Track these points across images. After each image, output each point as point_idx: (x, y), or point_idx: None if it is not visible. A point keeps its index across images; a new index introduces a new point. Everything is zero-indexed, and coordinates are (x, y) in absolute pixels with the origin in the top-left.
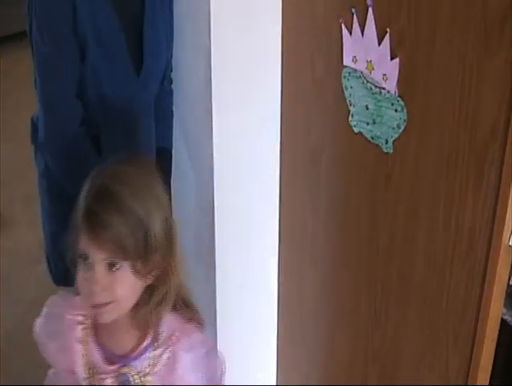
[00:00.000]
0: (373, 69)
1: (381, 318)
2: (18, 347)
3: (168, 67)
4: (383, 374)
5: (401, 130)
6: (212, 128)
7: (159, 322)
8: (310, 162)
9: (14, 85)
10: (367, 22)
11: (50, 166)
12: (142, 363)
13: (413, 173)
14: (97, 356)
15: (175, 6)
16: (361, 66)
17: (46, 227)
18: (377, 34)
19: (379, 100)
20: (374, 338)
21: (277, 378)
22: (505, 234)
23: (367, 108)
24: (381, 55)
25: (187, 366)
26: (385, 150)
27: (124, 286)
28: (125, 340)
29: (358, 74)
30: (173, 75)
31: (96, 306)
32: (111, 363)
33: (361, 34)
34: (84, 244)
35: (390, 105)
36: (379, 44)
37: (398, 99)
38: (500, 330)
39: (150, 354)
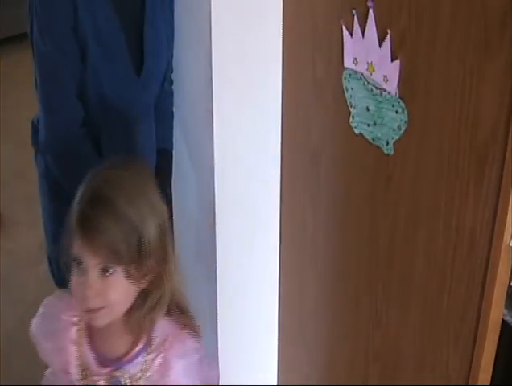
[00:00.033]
0: (373, 70)
1: (381, 319)
2: (18, 347)
3: (169, 68)
4: (384, 374)
5: (401, 132)
6: (212, 128)
7: (153, 327)
8: (310, 163)
9: (14, 86)
10: (368, 24)
11: (50, 166)
12: (134, 368)
13: (414, 174)
14: (90, 358)
15: (176, 7)
16: (361, 67)
17: (47, 228)
18: (378, 36)
19: (380, 102)
20: (375, 339)
21: (278, 378)
22: (506, 235)
23: (368, 110)
24: (381, 57)
25: (179, 372)
26: (385, 152)
27: (117, 291)
28: (118, 344)
29: (359, 75)
30: (174, 75)
31: (89, 311)
32: (104, 365)
33: (361, 36)
34: (78, 248)
35: (390, 107)
36: (380, 46)
37: (399, 100)
38: (501, 331)
39: (142, 358)
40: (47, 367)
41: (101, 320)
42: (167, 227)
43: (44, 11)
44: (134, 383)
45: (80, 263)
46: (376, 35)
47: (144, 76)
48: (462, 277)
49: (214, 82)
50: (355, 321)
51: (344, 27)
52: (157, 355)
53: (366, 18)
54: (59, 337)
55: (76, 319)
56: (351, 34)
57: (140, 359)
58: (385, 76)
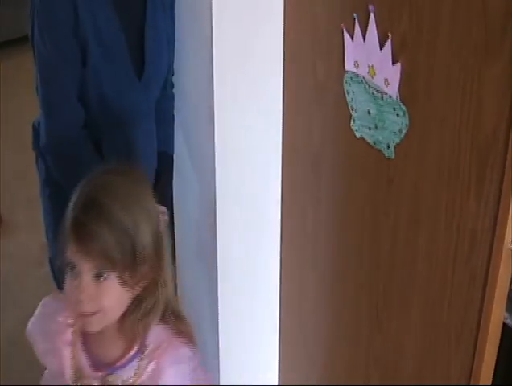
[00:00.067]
0: (374, 74)
1: (382, 321)
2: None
3: (170, 72)
4: (385, 376)
5: (403, 135)
6: (213, 131)
7: (147, 332)
8: (311, 166)
9: (15, 89)
10: (369, 27)
11: (51, 168)
12: (127, 373)
13: (415, 177)
14: (84, 361)
15: (177, 10)
16: (362, 71)
17: (49, 232)
18: (379, 39)
19: (381, 105)
20: (376, 341)
21: (278, 378)
22: (507, 237)
23: (369, 113)
24: (382, 60)
25: (171, 380)
26: (386, 155)
27: (111, 297)
28: (111, 348)
29: (360, 79)
30: (175, 78)
31: (82, 315)
32: (97, 369)
33: (362, 39)
34: (72, 253)
35: (391, 110)
36: (381, 49)
37: (400, 104)
38: (501, 334)
39: (136, 364)
40: (46, 367)
41: (95, 325)
42: (162, 233)
43: (45, 14)
44: None
45: (73, 268)
46: (377, 39)
47: (145, 79)
48: (463, 279)
49: (215, 85)
50: (355, 323)
51: (345, 31)
52: (150, 361)
53: (367, 22)
54: (55, 338)
55: (71, 321)
56: (352, 38)
57: (133, 364)
58: (386, 80)
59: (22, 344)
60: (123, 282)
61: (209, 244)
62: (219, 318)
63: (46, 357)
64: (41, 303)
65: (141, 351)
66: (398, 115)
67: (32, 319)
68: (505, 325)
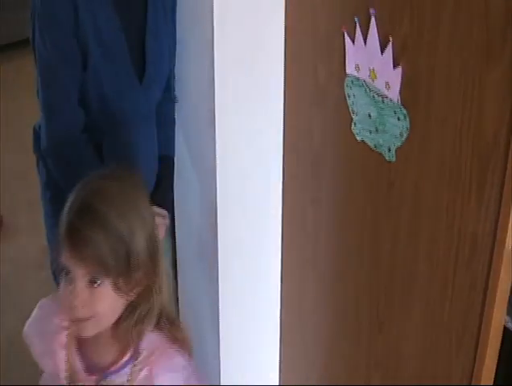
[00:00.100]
0: (375, 77)
1: (383, 324)
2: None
3: (171, 76)
4: (385, 377)
5: (404, 138)
6: (214, 133)
7: (141, 339)
8: (312, 168)
9: (15, 92)
10: (370, 31)
11: (52, 171)
12: (120, 378)
13: (415, 181)
14: (78, 364)
15: (179, 13)
16: (363, 74)
17: (50, 236)
18: (380, 43)
19: (382, 109)
20: (377, 344)
21: (279, 379)
22: (508, 241)
23: (370, 117)
24: (383, 64)
25: None
26: (387, 158)
27: (105, 302)
28: (105, 353)
29: (361, 82)
30: (176, 81)
31: (76, 320)
32: (91, 372)
33: (363, 43)
34: (66, 258)
35: (392, 113)
36: (382, 52)
37: (401, 107)
38: (502, 338)
39: (129, 370)
40: None
41: (89, 330)
42: (157, 239)
43: (45, 16)
44: None
45: (68, 273)
46: (378, 42)
47: (146, 82)
48: (464, 282)
49: (216, 87)
50: (356, 324)
51: (346, 34)
52: (143, 368)
53: (368, 25)
54: (50, 340)
55: (67, 323)
56: (353, 41)
57: (127, 370)
58: (387, 83)
59: (22, 345)
60: (117, 288)
61: (210, 246)
62: (220, 318)
63: (42, 359)
64: (38, 305)
65: (134, 358)
66: (398, 118)
67: (29, 321)
68: (506, 328)
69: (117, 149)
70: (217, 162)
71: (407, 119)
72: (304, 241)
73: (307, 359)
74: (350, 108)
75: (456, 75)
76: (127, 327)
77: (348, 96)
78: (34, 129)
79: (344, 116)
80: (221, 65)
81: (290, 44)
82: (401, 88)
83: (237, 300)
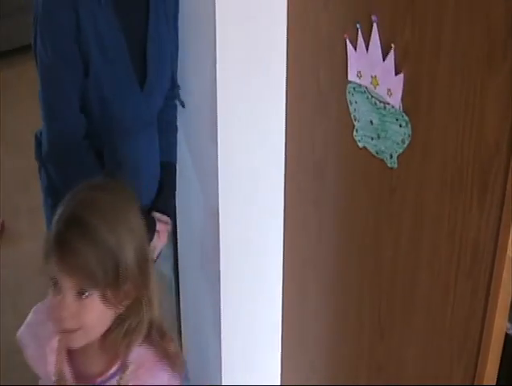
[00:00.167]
0: (377, 84)
1: (384, 330)
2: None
3: (173, 82)
4: (387, 383)
5: (405, 145)
6: (217, 139)
7: (129, 351)
8: (314, 175)
9: (16, 99)
10: (372, 38)
11: (53, 177)
12: None
13: (417, 187)
14: (67, 370)
15: (181, 21)
16: (365, 81)
17: None
18: (382, 50)
19: (384, 115)
20: (378, 351)
21: (281, 380)
22: (510, 247)
23: (372, 123)
24: (385, 71)
25: None
26: (389, 165)
27: (93, 314)
28: (94, 363)
29: (363, 89)
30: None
31: (64, 331)
32: (79, 380)
33: (365, 50)
34: (54, 269)
35: (394, 120)
36: (384, 59)
37: (403, 114)
38: (504, 344)
39: (115, 382)
40: None
41: (77, 341)
42: (147, 253)
43: (47, 23)
44: None
45: (56, 283)
46: (380, 49)
47: (147, 88)
48: (465, 289)
49: (218, 94)
50: (358, 330)
51: (348, 41)
52: (129, 381)
53: (370, 32)
54: (43, 344)
55: None
56: (355, 48)
57: (113, 381)
58: (389, 90)
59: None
60: (106, 300)
61: (212, 251)
62: (221, 321)
63: (34, 362)
64: (33, 309)
65: (122, 370)
66: (400, 125)
67: (23, 324)
68: (507, 335)
69: (118, 155)
70: (219, 168)
71: (409, 126)
72: (306, 247)
73: (310, 369)
74: (352, 115)
75: (458, 82)
76: (115, 339)
77: (350, 103)
78: (35, 136)
79: (346, 122)
80: (223, 72)
81: (292, 51)
82: (403, 94)
83: (238, 304)
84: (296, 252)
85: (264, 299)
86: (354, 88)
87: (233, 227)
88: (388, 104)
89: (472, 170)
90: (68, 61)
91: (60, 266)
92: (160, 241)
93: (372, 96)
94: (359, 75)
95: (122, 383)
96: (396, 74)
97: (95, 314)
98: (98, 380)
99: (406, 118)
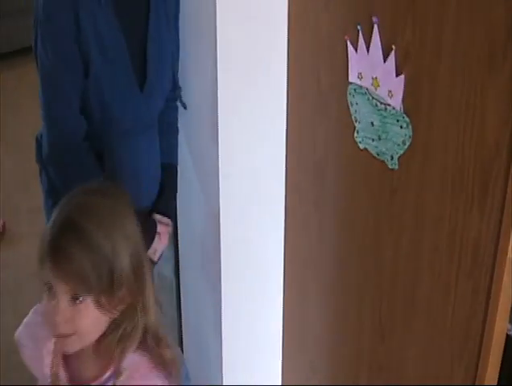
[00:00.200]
0: (378, 86)
1: (385, 332)
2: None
3: (175, 83)
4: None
5: (406, 146)
6: (217, 141)
7: (123, 357)
8: (315, 177)
9: (18, 100)
10: (372, 39)
11: (53, 179)
12: None
13: (418, 189)
14: (62, 373)
15: (182, 22)
16: (366, 82)
17: None
18: (383, 51)
19: (384, 117)
20: (379, 351)
21: (282, 380)
22: (510, 249)
23: (372, 125)
24: (386, 72)
25: None
26: (390, 166)
27: (87, 319)
28: (88, 367)
29: (364, 90)
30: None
31: (58, 336)
32: (74, 383)
33: (366, 51)
34: (48, 273)
35: (395, 122)
36: (385, 61)
37: (404, 115)
38: (505, 346)
39: None
40: None
41: (71, 346)
42: (143, 258)
43: (47, 24)
44: None
45: (50, 288)
46: (381, 51)
47: (147, 91)
48: (466, 290)
49: (219, 95)
50: (359, 332)
51: (349, 42)
52: None
53: (371, 34)
54: (40, 345)
55: None
56: (356, 50)
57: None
58: (389, 91)
59: None
60: (100, 306)
61: (213, 253)
62: (222, 322)
63: (31, 363)
64: (32, 310)
65: (115, 375)
66: (401, 126)
67: (21, 326)
68: (508, 336)
69: (118, 157)
70: (220, 168)
71: (410, 127)
72: (307, 248)
73: (312, 373)
74: (353, 117)
75: (459, 83)
76: (110, 345)
77: (351, 105)
78: (36, 138)
79: (347, 124)
80: (224, 73)
81: (293, 52)
82: (403, 96)
83: (239, 304)
84: (297, 253)
85: (265, 300)
86: (355, 90)
87: (233, 228)
88: (389, 105)
89: (473, 170)
90: (69, 63)
91: (54, 271)
92: (161, 243)
93: (373, 98)
94: (360, 76)
95: None
96: (397, 75)
97: (89, 320)
98: (92, 384)
99: (407, 119)
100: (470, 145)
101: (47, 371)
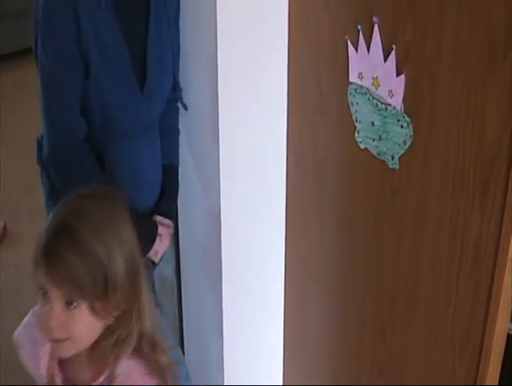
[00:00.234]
0: (379, 85)
1: (387, 332)
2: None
3: (175, 85)
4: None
5: (407, 146)
6: (218, 142)
7: (118, 363)
8: (316, 177)
9: (19, 101)
10: (373, 39)
11: (54, 180)
12: None
13: (419, 188)
14: (57, 376)
15: (182, 23)
16: (366, 82)
17: None
18: (383, 51)
19: (385, 117)
20: (380, 352)
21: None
22: (511, 248)
23: (373, 125)
24: (387, 72)
25: None
26: (391, 166)
27: (81, 325)
28: (82, 371)
29: (364, 90)
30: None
31: (53, 341)
32: (69, 384)
33: (366, 51)
34: (42, 278)
35: (395, 121)
36: (385, 61)
37: (404, 115)
38: (506, 345)
39: None
40: None
41: (65, 351)
42: (138, 264)
43: (47, 26)
44: None
45: (45, 293)
46: (381, 50)
47: (147, 92)
48: (467, 290)
49: (220, 96)
50: (360, 332)
51: (349, 42)
52: None
53: (371, 34)
54: (37, 346)
55: None
56: (356, 50)
57: None
58: (390, 91)
59: None
60: (94, 311)
61: (214, 254)
62: (224, 323)
63: (29, 363)
64: (31, 311)
65: (109, 381)
66: (402, 126)
67: (20, 325)
68: (509, 335)
69: (118, 159)
70: (221, 169)
71: (410, 127)
72: (308, 248)
73: (313, 373)
74: (353, 116)
75: (459, 83)
76: (104, 350)
77: (352, 104)
78: (37, 140)
79: (348, 124)
80: (225, 74)
81: (293, 52)
82: (404, 95)
83: (240, 304)
84: (298, 253)
85: (266, 300)
86: (355, 90)
87: (234, 228)
88: (389, 105)
89: (474, 170)
90: (69, 64)
91: (48, 276)
92: (162, 245)
93: (373, 98)
94: (360, 76)
95: None
96: (397, 75)
97: (84, 325)
98: None
99: (408, 119)
100: (471, 145)
101: (44, 372)
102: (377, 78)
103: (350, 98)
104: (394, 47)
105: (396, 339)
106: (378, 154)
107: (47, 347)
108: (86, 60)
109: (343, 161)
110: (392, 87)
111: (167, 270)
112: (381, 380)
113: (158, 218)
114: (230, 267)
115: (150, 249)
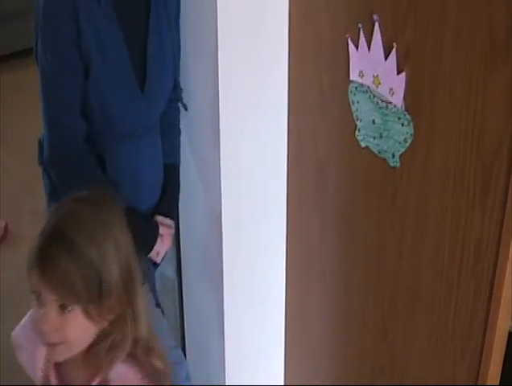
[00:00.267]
0: (379, 84)
1: (388, 332)
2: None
3: (176, 85)
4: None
5: (408, 144)
6: (219, 141)
7: (111, 367)
8: (316, 175)
9: (20, 101)
10: (373, 37)
11: (55, 181)
12: None
13: (420, 187)
14: (52, 378)
15: (182, 23)
16: (367, 80)
17: None
18: (384, 49)
19: (386, 115)
20: (382, 352)
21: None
22: None
23: (374, 123)
24: (387, 70)
25: None
26: (392, 164)
27: (75, 329)
28: (76, 375)
29: (365, 88)
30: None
31: (47, 345)
32: None
33: (367, 49)
34: (36, 282)
35: (396, 119)
36: (386, 59)
37: (405, 113)
38: (507, 344)
39: None
40: None
41: (59, 355)
42: (133, 268)
43: (47, 27)
44: None
45: (39, 296)
46: (382, 49)
47: (147, 92)
48: (468, 289)
49: (221, 96)
50: (361, 332)
51: (350, 41)
52: None
53: (372, 32)
54: (34, 347)
55: None
56: (357, 48)
57: None
58: (391, 89)
59: None
60: (88, 315)
61: (215, 254)
62: (225, 323)
63: (25, 363)
64: (29, 312)
65: (104, 385)
66: (402, 124)
67: (18, 326)
68: (510, 334)
69: (119, 160)
70: (222, 169)
71: (411, 125)
72: (309, 248)
73: (315, 373)
74: (354, 115)
75: (460, 81)
76: (98, 354)
77: (352, 103)
78: (39, 141)
79: (349, 122)
80: (225, 74)
81: (294, 51)
82: (405, 94)
83: (241, 305)
84: (299, 253)
85: (267, 300)
86: (356, 88)
87: (235, 228)
88: (390, 103)
89: (475, 168)
90: (69, 65)
91: (42, 280)
92: (164, 245)
93: (374, 96)
94: (361, 74)
95: None
96: (398, 73)
97: (78, 329)
98: None
99: (409, 117)
100: (471, 143)
101: (40, 373)
102: (377, 76)
103: (351, 96)
104: (394, 45)
105: (397, 339)
106: (379, 152)
107: (42, 349)
108: (86, 60)
109: (344, 160)
110: (393, 85)
111: (168, 270)
112: (382, 380)
113: (160, 218)
114: (231, 267)
115: (151, 250)
